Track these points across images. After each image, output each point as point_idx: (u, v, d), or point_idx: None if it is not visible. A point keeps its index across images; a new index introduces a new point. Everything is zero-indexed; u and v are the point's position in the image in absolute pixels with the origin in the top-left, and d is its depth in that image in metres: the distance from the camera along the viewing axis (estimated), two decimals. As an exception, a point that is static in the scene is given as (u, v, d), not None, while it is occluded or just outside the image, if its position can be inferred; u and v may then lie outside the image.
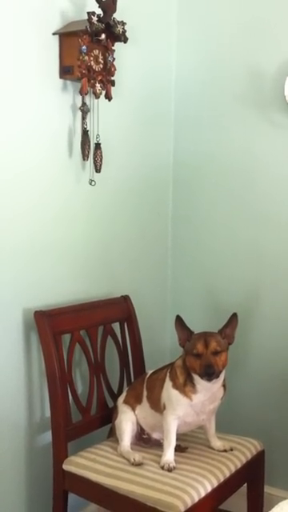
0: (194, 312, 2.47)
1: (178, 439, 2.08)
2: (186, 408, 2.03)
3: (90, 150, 2.22)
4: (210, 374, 1.96)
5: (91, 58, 2.11)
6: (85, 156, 2.20)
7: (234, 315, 2.08)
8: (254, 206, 2.55)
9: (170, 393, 2.05)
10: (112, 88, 2.21)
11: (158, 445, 2.11)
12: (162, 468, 1.98)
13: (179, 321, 2.08)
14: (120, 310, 2.40)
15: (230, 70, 2.55)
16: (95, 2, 2.06)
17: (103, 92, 2.18)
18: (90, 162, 2.25)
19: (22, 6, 2.00)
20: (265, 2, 2.45)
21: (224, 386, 2.09)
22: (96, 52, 2.13)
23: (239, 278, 2.60)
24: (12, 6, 1.97)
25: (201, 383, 2.00)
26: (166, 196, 2.75)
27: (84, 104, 2.14)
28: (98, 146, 2.24)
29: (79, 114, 2.19)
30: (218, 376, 1.99)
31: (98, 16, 2.06)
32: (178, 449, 2.09)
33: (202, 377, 1.98)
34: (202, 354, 1.99)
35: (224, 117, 2.59)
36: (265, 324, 2.55)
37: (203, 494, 1.89)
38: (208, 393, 2.03)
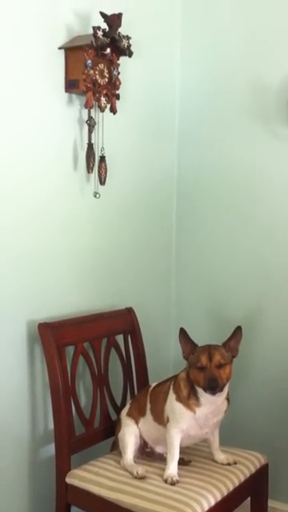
0: (197, 324, 2.47)
1: (181, 452, 2.06)
2: (189, 421, 2.02)
3: (95, 162, 2.23)
4: (213, 387, 1.95)
5: (96, 72, 2.13)
6: (89, 169, 2.21)
7: (239, 328, 2.08)
8: (257, 219, 2.55)
9: (173, 405, 2.04)
10: (117, 102, 2.22)
11: (162, 459, 2.10)
12: (166, 481, 1.97)
13: (183, 333, 2.08)
14: (124, 322, 2.40)
15: (233, 84, 2.57)
16: (101, 17, 2.09)
17: (108, 105, 2.20)
18: (94, 174, 2.26)
19: (27, 21, 2.02)
20: (268, 15, 2.47)
21: (228, 399, 2.08)
22: (101, 66, 2.15)
23: (243, 290, 2.60)
24: (18, 21, 1.99)
25: (204, 396, 1.99)
26: (170, 209, 2.76)
27: (90, 118, 2.16)
28: (102, 158, 2.25)
29: (84, 127, 2.21)
30: (221, 390, 1.98)
31: (104, 30, 2.08)
32: (182, 462, 2.08)
33: (205, 390, 1.97)
34: (206, 367, 1.98)
35: (228, 130, 2.61)
36: (268, 337, 2.55)
37: (207, 507, 1.88)
38: (212, 406, 2.02)
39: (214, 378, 1.95)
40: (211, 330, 2.54)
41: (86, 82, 2.09)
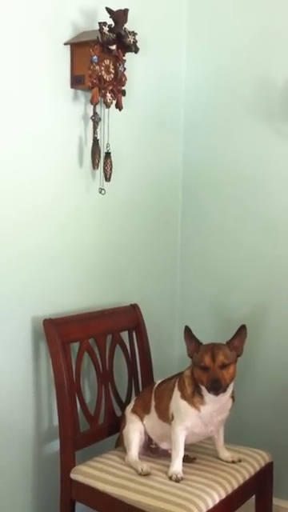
0: (202, 321, 2.46)
1: (186, 450, 2.06)
2: (194, 419, 2.02)
3: (100, 159, 2.23)
4: (216, 388, 1.94)
5: (102, 68, 2.12)
6: (95, 165, 2.21)
7: (243, 327, 2.06)
8: (263, 216, 2.55)
9: (178, 403, 2.04)
10: (123, 98, 2.22)
11: (166, 455, 2.10)
12: (170, 478, 1.97)
13: (188, 331, 2.07)
14: (128, 319, 2.40)
15: (239, 80, 2.56)
16: (107, 13, 2.08)
17: (114, 102, 2.19)
18: (100, 170, 2.26)
19: (33, 16, 2.01)
20: (274, 12, 2.46)
21: (233, 397, 2.07)
22: (107, 62, 2.14)
23: (248, 287, 2.60)
24: (24, 16, 1.99)
25: (208, 395, 1.99)
26: (175, 205, 2.76)
27: (95, 114, 2.16)
28: (108, 155, 2.25)
29: (90, 123, 2.20)
30: (225, 390, 1.97)
31: (110, 26, 2.07)
32: (186, 459, 2.08)
33: (208, 391, 1.96)
34: (209, 367, 1.97)
35: (233, 126, 2.60)
36: (273, 333, 2.54)
37: (211, 505, 1.88)
38: (216, 404, 2.01)
39: (216, 379, 1.94)
40: (216, 325, 2.54)
41: (92, 78, 2.09)
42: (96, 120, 2.16)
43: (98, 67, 2.09)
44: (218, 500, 1.91)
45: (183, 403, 2.02)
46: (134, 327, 2.41)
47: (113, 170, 2.27)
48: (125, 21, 2.12)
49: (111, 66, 2.16)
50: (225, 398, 2.02)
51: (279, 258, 2.51)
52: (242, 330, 2.06)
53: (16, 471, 2.12)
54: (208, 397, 1.99)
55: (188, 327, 2.07)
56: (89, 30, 2.14)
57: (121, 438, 2.21)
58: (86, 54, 2.08)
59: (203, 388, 1.99)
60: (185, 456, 2.06)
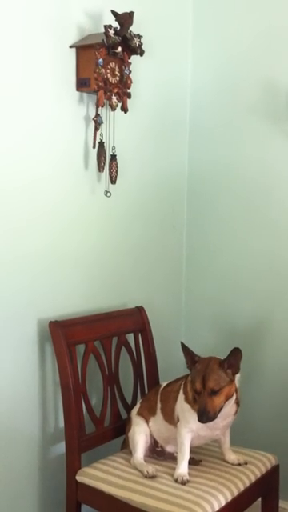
0: (207, 323, 2.46)
1: (191, 452, 2.06)
2: (198, 422, 2.01)
3: (106, 161, 2.23)
4: (203, 420, 1.91)
5: (108, 71, 2.13)
6: (100, 168, 2.21)
7: (236, 350, 1.98)
8: (269, 218, 2.54)
9: (183, 406, 2.04)
10: (128, 100, 2.22)
11: (172, 458, 2.10)
12: (176, 481, 1.97)
13: (183, 347, 2.05)
14: (134, 321, 2.40)
15: (244, 82, 2.56)
16: (112, 15, 2.08)
17: (119, 104, 2.19)
18: (105, 173, 2.26)
19: (39, 19, 2.02)
20: (280, 15, 2.46)
21: (237, 402, 2.05)
22: (112, 65, 2.15)
23: (254, 289, 2.59)
24: (29, 19, 2.00)
25: None
26: (180, 207, 2.76)
27: (97, 115, 2.16)
28: (113, 157, 2.25)
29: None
30: (213, 419, 1.93)
31: (115, 29, 2.08)
32: (192, 462, 2.08)
33: (198, 419, 1.93)
34: (200, 393, 1.94)
35: (239, 128, 2.60)
36: (279, 337, 2.53)
37: (217, 507, 1.87)
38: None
39: (203, 411, 1.91)
40: (221, 328, 2.53)
41: (98, 81, 2.09)
42: (98, 121, 2.16)
43: (103, 70, 2.10)
44: (224, 502, 1.90)
45: (187, 406, 2.02)
46: (139, 329, 2.41)
47: (118, 172, 2.27)
48: (130, 24, 2.12)
49: (117, 69, 2.16)
50: (227, 406, 2.00)
51: (286, 260, 2.50)
52: (236, 352, 1.98)
53: (22, 473, 2.12)
54: None
55: (183, 343, 2.06)
56: (94, 33, 2.15)
57: (126, 440, 2.21)
58: (92, 56, 2.09)
59: None
60: (191, 458, 2.05)
